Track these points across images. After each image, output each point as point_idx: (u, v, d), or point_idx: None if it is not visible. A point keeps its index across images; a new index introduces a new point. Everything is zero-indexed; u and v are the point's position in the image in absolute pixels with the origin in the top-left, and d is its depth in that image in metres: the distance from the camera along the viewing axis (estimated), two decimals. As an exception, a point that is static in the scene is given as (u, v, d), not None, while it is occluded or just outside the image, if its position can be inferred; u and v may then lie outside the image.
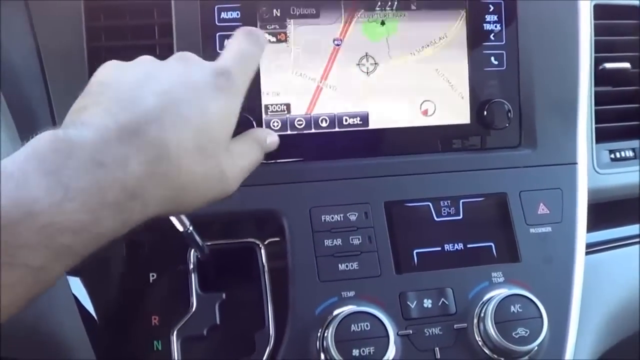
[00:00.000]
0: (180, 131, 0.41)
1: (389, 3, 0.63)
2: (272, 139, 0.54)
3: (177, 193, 0.41)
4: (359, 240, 0.59)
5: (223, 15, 0.61)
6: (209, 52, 0.60)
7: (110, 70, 0.45)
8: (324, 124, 0.62)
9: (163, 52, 0.61)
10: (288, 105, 0.62)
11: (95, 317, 0.58)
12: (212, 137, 0.43)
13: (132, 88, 0.42)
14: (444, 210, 0.61)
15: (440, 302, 0.58)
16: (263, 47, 0.52)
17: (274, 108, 0.62)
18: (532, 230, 0.62)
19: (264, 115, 0.61)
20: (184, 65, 0.46)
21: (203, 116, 0.43)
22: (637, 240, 0.74)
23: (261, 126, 0.61)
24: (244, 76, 0.48)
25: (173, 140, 0.40)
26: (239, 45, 0.50)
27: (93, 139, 0.38)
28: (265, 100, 0.61)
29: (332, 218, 0.59)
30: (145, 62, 0.46)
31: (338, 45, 0.63)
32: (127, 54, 0.60)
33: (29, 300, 0.36)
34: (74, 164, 0.36)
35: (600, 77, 0.72)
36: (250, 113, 0.60)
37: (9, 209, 0.34)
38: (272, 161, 0.60)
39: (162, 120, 0.40)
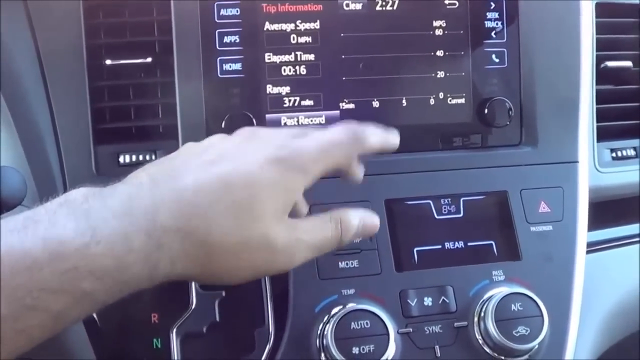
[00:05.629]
0: (215, 194, 0.40)
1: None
2: (372, 221, 0.50)
3: (207, 253, 0.40)
4: (359, 238, 0.58)
5: (222, 12, 0.60)
6: (208, 49, 0.60)
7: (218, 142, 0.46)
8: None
9: (162, 50, 0.61)
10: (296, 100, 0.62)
11: (95, 316, 0.58)
12: (255, 207, 0.41)
13: (184, 160, 0.43)
14: (445, 208, 0.61)
15: (441, 300, 0.58)
16: (364, 144, 0.48)
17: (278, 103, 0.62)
18: (532, 228, 0.62)
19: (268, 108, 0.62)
20: (258, 141, 0.45)
21: (247, 186, 0.41)
22: (638, 239, 0.74)
23: (263, 123, 0.61)
24: (316, 161, 0.45)
25: (206, 202, 0.40)
26: (333, 133, 0.47)
27: (126, 190, 0.39)
28: (269, 91, 0.61)
29: (332, 216, 0.58)
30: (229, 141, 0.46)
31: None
32: (126, 52, 0.61)
33: (42, 340, 0.36)
34: (103, 211, 0.37)
35: (602, 75, 0.72)
36: (251, 108, 0.61)
37: (37, 250, 0.34)
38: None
39: (200, 182, 0.40)
